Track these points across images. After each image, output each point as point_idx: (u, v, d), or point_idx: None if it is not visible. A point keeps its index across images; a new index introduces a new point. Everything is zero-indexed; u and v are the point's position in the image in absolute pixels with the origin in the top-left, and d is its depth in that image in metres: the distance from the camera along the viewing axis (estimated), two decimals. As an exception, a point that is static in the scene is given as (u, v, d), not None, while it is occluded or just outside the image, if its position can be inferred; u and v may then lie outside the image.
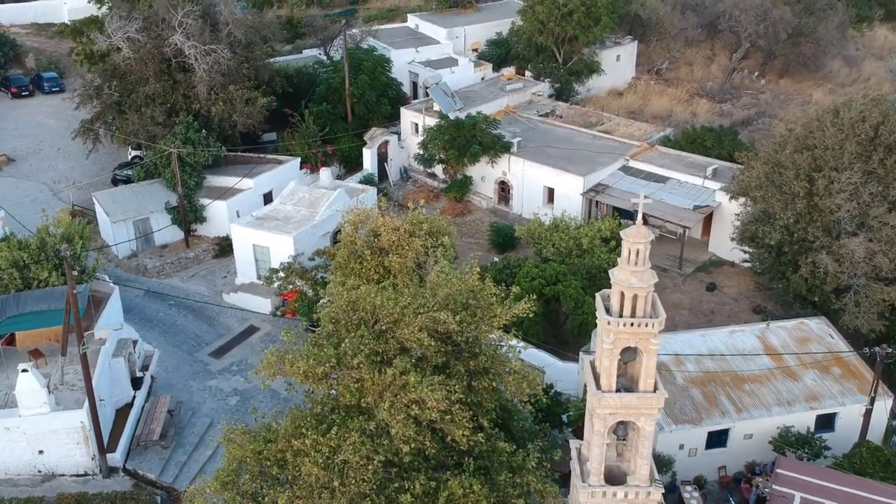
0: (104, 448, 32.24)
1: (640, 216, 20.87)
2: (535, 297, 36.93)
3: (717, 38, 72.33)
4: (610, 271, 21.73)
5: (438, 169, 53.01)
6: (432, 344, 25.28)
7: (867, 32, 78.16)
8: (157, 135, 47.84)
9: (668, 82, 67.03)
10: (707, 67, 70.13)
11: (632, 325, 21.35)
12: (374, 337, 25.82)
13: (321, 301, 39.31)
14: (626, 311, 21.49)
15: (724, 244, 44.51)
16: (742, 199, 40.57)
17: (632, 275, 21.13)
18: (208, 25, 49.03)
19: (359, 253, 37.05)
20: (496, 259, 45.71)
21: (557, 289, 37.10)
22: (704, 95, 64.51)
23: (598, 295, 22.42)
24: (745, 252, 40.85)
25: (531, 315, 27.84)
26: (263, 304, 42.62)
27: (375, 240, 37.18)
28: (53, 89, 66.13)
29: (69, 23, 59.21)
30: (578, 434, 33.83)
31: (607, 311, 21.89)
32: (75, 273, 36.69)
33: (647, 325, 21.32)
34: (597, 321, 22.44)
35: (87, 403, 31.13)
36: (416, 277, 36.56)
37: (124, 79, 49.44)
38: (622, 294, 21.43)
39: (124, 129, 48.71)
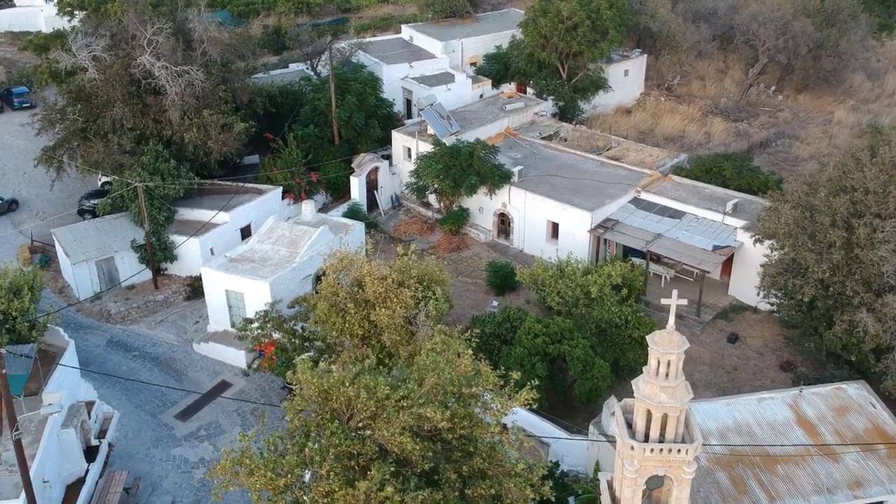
0: (45, 542, 28.17)
1: (672, 319, 16.71)
2: (537, 357, 33.31)
3: (729, 49, 68.11)
4: (633, 383, 17.65)
5: (433, 197, 48.89)
6: (417, 448, 21.27)
7: (888, 42, 73.89)
8: (124, 164, 43.69)
9: (679, 99, 62.77)
10: (720, 81, 65.90)
11: (661, 451, 17.28)
12: (348, 435, 21.82)
13: (298, 358, 35.42)
14: (654, 432, 17.42)
15: (747, 287, 40.46)
16: (768, 242, 36.48)
17: (661, 391, 17.06)
18: (181, 44, 44.77)
19: (341, 306, 33.08)
20: (495, 302, 41.77)
21: (563, 349, 32.99)
22: (719, 114, 60.24)
23: (617, 407, 18.38)
24: (772, 304, 36.74)
25: (533, 403, 23.64)
26: (237, 357, 38.50)
27: (360, 291, 33.18)
28: (24, 105, 61.87)
29: (32, 38, 54.85)
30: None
31: (630, 428, 17.83)
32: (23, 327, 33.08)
33: (679, 452, 17.26)
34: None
35: (24, 494, 27.07)
36: (405, 334, 32.71)
37: (89, 102, 45.20)
38: (649, 413, 17.35)
39: (89, 157, 44.50)
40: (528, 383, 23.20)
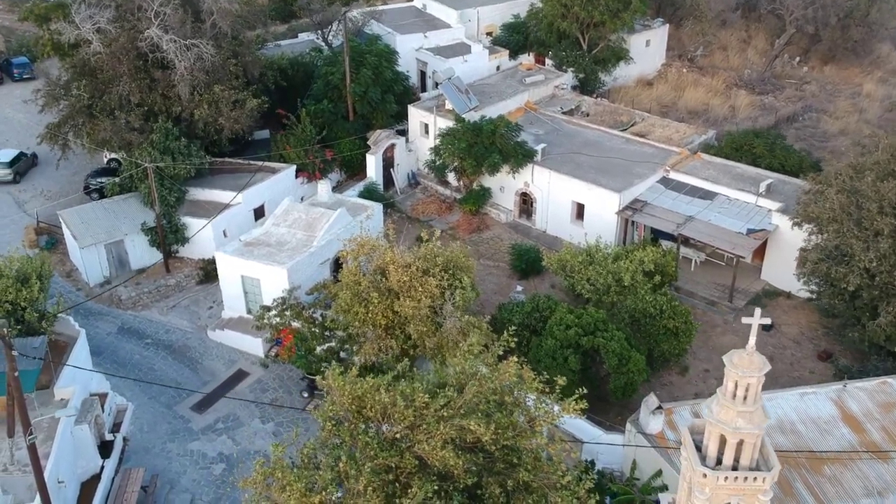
0: (61, 545, 27.01)
1: (753, 339, 15.25)
2: (570, 350, 31.93)
3: (752, 18, 65.88)
4: (705, 405, 16.23)
5: (452, 176, 47.17)
6: (459, 463, 19.98)
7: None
8: (132, 142, 41.95)
9: (702, 70, 60.70)
10: (743, 52, 63.75)
11: (735, 479, 15.93)
12: (385, 446, 20.54)
13: (319, 348, 34.06)
14: (728, 459, 16.05)
15: (781, 272, 39.02)
16: (806, 226, 34.95)
17: (738, 416, 15.65)
18: (189, 16, 42.78)
19: (364, 296, 31.70)
20: (519, 288, 40.33)
21: (597, 341, 31.58)
22: (743, 86, 58.25)
23: (685, 429, 16.96)
24: (811, 292, 35.29)
25: (582, 414, 22.27)
26: (254, 345, 37.09)
27: (383, 280, 31.78)
28: (24, 76, 60.07)
29: (32, 6, 52.62)
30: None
31: (699, 451, 16.46)
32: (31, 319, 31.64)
33: (755, 480, 15.91)
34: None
35: (38, 497, 25.84)
36: (431, 325, 31.37)
37: (95, 77, 43.30)
38: (722, 437, 15.96)
39: (95, 135, 42.72)
40: (577, 391, 21.83)
